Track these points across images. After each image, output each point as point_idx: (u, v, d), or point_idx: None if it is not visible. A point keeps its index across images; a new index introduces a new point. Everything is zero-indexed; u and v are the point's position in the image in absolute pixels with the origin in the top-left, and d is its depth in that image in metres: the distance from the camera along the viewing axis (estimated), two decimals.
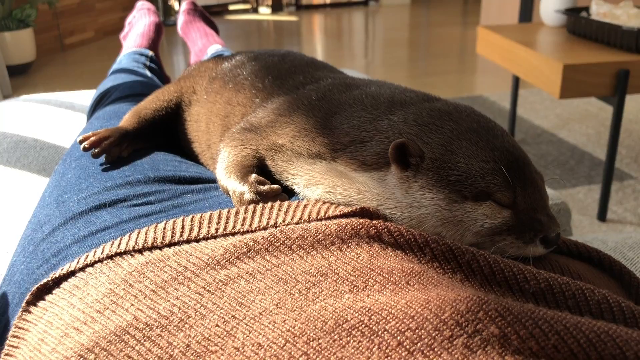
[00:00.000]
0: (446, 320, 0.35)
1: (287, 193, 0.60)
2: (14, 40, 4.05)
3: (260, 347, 0.37)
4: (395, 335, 0.35)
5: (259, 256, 0.47)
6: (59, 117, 1.44)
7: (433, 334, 0.34)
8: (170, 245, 0.51)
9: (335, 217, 0.52)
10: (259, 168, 0.64)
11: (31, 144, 1.25)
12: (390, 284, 0.41)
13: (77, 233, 0.61)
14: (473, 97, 3.50)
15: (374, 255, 0.45)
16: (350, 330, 0.36)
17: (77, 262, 0.52)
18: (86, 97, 1.60)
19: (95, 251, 0.53)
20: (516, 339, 0.33)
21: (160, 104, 0.86)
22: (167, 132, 0.87)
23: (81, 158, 0.78)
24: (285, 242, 0.48)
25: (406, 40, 5.54)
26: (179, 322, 0.42)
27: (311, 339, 0.36)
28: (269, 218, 0.53)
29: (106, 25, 5.45)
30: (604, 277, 0.53)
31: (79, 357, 0.42)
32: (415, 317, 0.36)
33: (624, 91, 1.87)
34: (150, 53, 1.57)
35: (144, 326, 0.42)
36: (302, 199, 0.59)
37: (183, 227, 0.53)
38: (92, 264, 0.51)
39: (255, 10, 6.99)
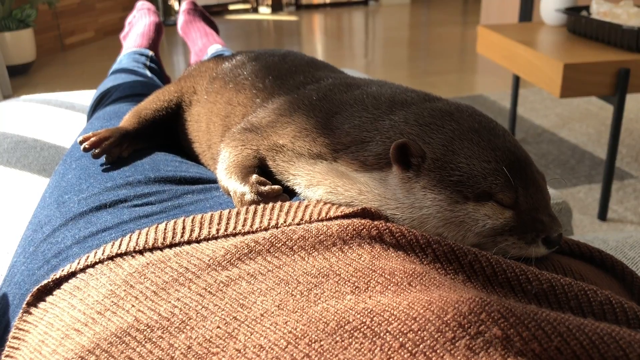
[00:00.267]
0: (448, 321, 0.35)
1: (288, 193, 0.60)
2: (14, 40, 4.04)
3: (261, 349, 0.37)
4: (398, 336, 0.35)
5: (260, 257, 0.47)
6: (59, 117, 1.44)
7: (435, 336, 0.34)
8: (171, 246, 0.51)
9: (336, 217, 0.52)
10: (260, 168, 0.63)
11: (31, 144, 1.25)
12: (392, 285, 0.41)
13: (77, 234, 0.61)
14: (473, 97, 3.50)
15: (376, 256, 0.45)
16: (352, 331, 0.36)
17: (78, 263, 0.52)
18: (86, 97, 1.59)
19: (96, 252, 0.52)
20: (519, 340, 0.33)
21: (160, 104, 0.86)
22: (167, 132, 0.86)
23: (81, 158, 0.78)
24: (287, 243, 0.48)
25: (406, 39, 5.54)
26: (180, 324, 0.42)
27: (313, 341, 0.36)
28: (270, 219, 0.53)
29: (106, 25, 5.45)
30: (606, 277, 0.53)
31: (79, 359, 0.42)
32: (418, 319, 0.36)
33: (625, 90, 1.87)
34: (151, 53, 1.57)
35: (145, 327, 0.42)
36: (303, 200, 0.59)
37: (184, 228, 0.53)
38: (92, 265, 0.51)
39: (255, 10, 6.98)
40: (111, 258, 0.51)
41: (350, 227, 0.48)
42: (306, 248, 0.47)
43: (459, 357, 0.32)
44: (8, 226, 0.95)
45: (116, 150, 0.77)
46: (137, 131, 0.82)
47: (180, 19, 1.89)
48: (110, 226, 0.60)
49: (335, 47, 5.24)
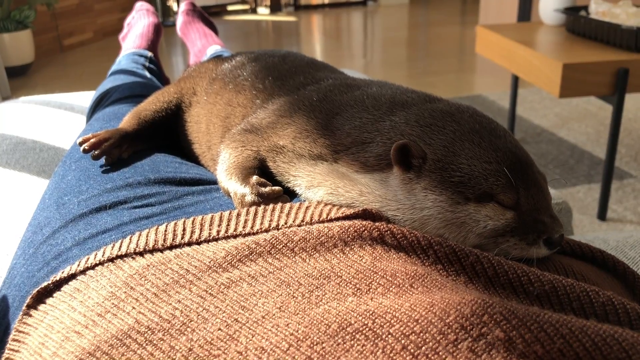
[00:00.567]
0: (451, 323, 0.35)
1: (289, 195, 0.60)
2: (13, 41, 4.04)
3: (263, 351, 0.37)
4: (400, 338, 0.35)
5: (261, 259, 0.47)
6: (58, 118, 1.43)
7: (438, 338, 0.34)
8: (171, 247, 0.51)
9: (337, 219, 0.51)
10: (260, 169, 0.63)
11: (30, 145, 1.24)
12: (393, 286, 0.41)
13: (77, 235, 0.61)
14: (472, 97, 3.50)
15: (377, 257, 0.45)
16: (354, 333, 0.36)
17: (78, 265, 0.52)
18: (85, 98, 1.59)
19: (96, 254, 0.52)
20: (521, 342, 0.33)
21: (160, 105, 0.85)
22: (167, 133, 0.86)
23: (81, 160, 0.78)
24: (288, 244, 0.47)
25: (405, 39, 5.54)
26: (181, 326, 0.42)
27: (315, 343, 0.36)
28: (270, 220, 0.52)
29: (105, 26, 5.44)
30: (607, 278, 0.53)
31: None
32: (420, 321, 0.35)
33: (624, 90, 1.87)
34: (150, 54, 1.57)
35: (146, 330, 0.42)
36: (304, 201, 0.58)
37: (184, 230, 0.52)
38: (92, 267, 0.51)
39: (253, 11, 6.98)
40: (111, 260, 0.51)
41: (351, 228, 0.48)
42: (307, 249, 0.47)
43: (461, 359, 0.32)
44: (7, 228, 0.95)
45: (116, 151, 0.77)
46: (137, 132, 0.81)
47: (179, 20, 1.89)
48: (110, 228, 0.60)
49: (334, 48, 5.24)
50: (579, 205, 2.18)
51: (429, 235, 0.48)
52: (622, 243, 0.92)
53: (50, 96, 1.63)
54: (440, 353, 0.33)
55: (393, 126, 0.55)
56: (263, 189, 0.58)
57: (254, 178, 0.60)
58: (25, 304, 0.51)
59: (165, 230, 0.52)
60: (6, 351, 0.50)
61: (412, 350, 0.33)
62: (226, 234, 0.52)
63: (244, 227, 0.52)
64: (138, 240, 0.52)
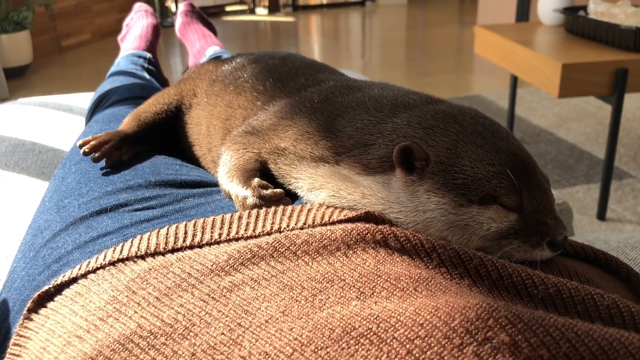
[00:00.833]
0: (456, 327, 0.34)
1: (290, 197, 0.60)
2: (11, 42, 4.03)
3: (267, 357, 0.37)
4: (405, 343, 0.34)
5: (264, 262, 0.46)
6: (57, 120, 1.43)
7: (443, 342, 0.34)
8: (173, 251, 0.51)
9: (340, 221, 0.51)
10: (262, 172, 0.63)
11: (29, 147, 1.24)
12: (397, 290, 0.41)
13: (78, 238, 0.60)
14: (471, 97, 3.50)
15: (381, 261, 0.45)
16: (358, 338, 0.36)
17: (79, 269, 0.51)
18: (84, 99, 1.59)
19: (97, 257, 0.52)
20: (527, 346, 0.33)
21: (160, 107, 0.85)
22: (167, 135, 0.86)
23: (81, 162, 0.77)
24: (290, 247, 0.47)
25: (403, 40, 5.54)
26: (183, 330, 0.41)
27: (319, 348, 0.36)
28: (272, 223, 0.52)
29: (103, 27, 5.44)
30: (611, 280, 0.53)
31: None
32: (425, 325, 0.35)
33: (623, 90, 1.87)
34: (149, 55, 1.57)
35: (148, 334, 0.42)
36: (306, 203, 0.58)
37: (186, 233, 0.52)
38: (94, 271, 0.51)
39: (252, 11, 6.98)
40: (113, 263, 0.51)
41: (354, 231, 0.48)
42: (310, 253, 0.46)
43: None
44: (7, 230, 0.94)
45: (116, 153, 0.76)
46: (137, 134, 0.81)
47: (178, 21, 1.88)
48: (111, 231, 0.60)
49: (333, 48, 5.24)
50: (578, 205, 2.18)
51: (433, 238, 0.47)
52: (623, 244, 0.92)
53: (49, 97, 1.63)
54: (446, 358, 0.33)
55: (395, 128, 0.55)
56: (265, 192, 0.58)
57: (256, 180, 0.60)
58: (26, 308, 0.51)
59: (167, 234, 0.52)
60: (7, 355, 0.49)
61: (417, 355, 0.33)
62: (228, 237, 0.51)
63: (245, 230, 0.52)
64: (139, 243, 0.52)
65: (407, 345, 0.34)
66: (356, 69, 4.33)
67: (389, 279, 0.42)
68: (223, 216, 0.54)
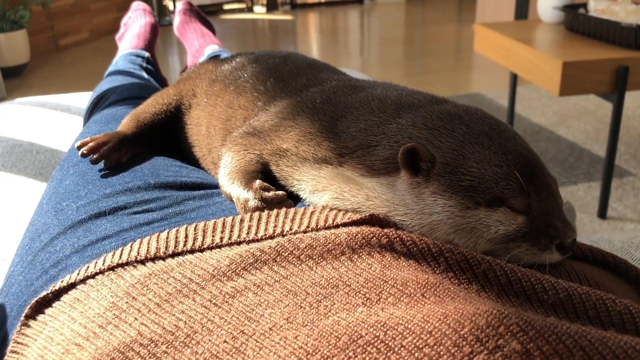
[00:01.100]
0: (465, 335, 0.33)
1: (293, 199, 0.59)
2: (8, 42, 4.02)
3: None
4: (413, 351, 0.33)
5: (267, 267, 0.45)
6: (55, 120, 1.42)
7: (452, 351, 0.33)
8: (173, 255, 0.50)
9: (344, 224, 0.50)
10: (263, 173, 0.62)
11: (27, 147, 1.23)
12: (405, 296, 0.40)
13: (76, 242, 0.59)
14: (470, 95, 3.49)
15: (387, 265, 0.44)
16: (365, 346, 0.35)
17: (78, 274, 0.50)
18: (82, 99, 1.58)
19: (96, 262, 0.51)
20: (539, 355, 0.32)
21: (159, 108, 0.84)
22: (166, 136, 0.85)
23: (79, 164, 0.76)
24: (294, 252, 0.46)
25: (402, 38, 5.53)
26: (185, 338, 0.40)
27: (325, 357, 0.35)
28: (275, 226, 0.51)
29: (101, 26, 5.42)
30: (620, 283, 0.52)
31: None
32: (433, 333, 0.34)
33: (624, 88, 1.87)
34: (147, 54, 1.55)
35: (149, 342, 0.41)
36: (309, 206, 0.57)
37: (186, 237, 0.51)
38: (93, 276, 0.50)
39: (250, 10, 6.97)
40: (112, 268, 0.50)
41: (359, 235, 0.47)
42: (314, 257, 0.45)
43: None
44: (5, 232, 0.93)
45: (115, 155, 0.75)
46: (136, 135, 0.80)
47: (176, 20, 1.87)
48: (110, 234, 0.59)
49: (331, 46, 5.23)
50: (578, 204, 2.17)
51: (439, 242, 0.46)
52: (627, 244, 0.91)
53: (47, 97, 1.62)
54: None
55: (400, 129, 0.54)
56: (266, 194, 0.57)
57: (257, 182, 0.59)
58: (23, 314, 0.50)
59: (167, 237, 0.51)
60: None
61: None
62: (229, 241, 0.50)
63: (247, 233, 0.51)
64: (139, 247, 0.51)
65: (416, 354, 0.33)
66: (355, 67, 4.32)
67: (395, 285, 0.41)
68: (224, 219, 0.53)
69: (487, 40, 2.43)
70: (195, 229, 0.52)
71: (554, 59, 1.89)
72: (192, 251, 0.50)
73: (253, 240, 0.50)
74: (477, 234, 0.50)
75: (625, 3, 2.06)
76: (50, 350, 0.45)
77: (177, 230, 0.52)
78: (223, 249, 0.50)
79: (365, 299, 0.40)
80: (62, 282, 0.50)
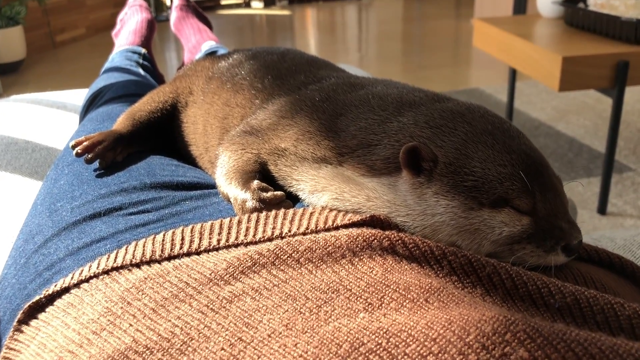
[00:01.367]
0: (471, 343, 0.32)
1: (292, 200, 0.57)
2: (4, 38, 3.99)
3: None
4: (417, 359, 0.32)
5: (265, 270, 0.44)
6: (50, 117, 1.40)
7: (457, 359, 0.32)
8: (169, 258, 0.48)
9: (344, 226, 0.49)
10: (261, 173, 0.61)
11: (22, 146, 1.21)
12: (407, 301, 0.38)
13: (70, 245, 0.58)
14: (469, 90, 3.47)
15: (389, 269, 0.42)
16: (367, 354, 0.34)
17: (72, 278, 0.49)
18: (78, 96, 1.56)
19: (91, 265, 0.50)
20: None
21: (155, 106, 0.83)
22: (162, 134, 0.83)
23: (74, 163, 0.75)
24: (293, 255, 0.45)
25: (400, 33, 5.51)
26: (181, 345, 0.39)
27: None
28: (273, 228, 0.50)
29: (97, 22, 5.39)
30: (626, 284, 0.51)
31: None
32: (438, 340, 0.33)
33: (624, 83, 1.85)
34: (143, 51, 1.54)
35: (144, 349, 0.40)
36: (308, 207, 0.56)
37: (183, 239, 0.50)
38: (87, 280, 0.48)
39: (247, 5, 6.94)
40: (106, 272, 0.48)
41: (360, 237, 0.45)
42: (314, 260, 0.44)
43: None
44: None
45: (110, 154, 0.74)
46: (132, 134, 0.78)
47: (173, 15, 1.85)
48: (105, 236, 0.57)
49: (329, 42, 5.21)
50: (578, 200, 2.16)
51: (443, 244, 0.45)
52: (629, 242, 0.90)
53: (42, 94, 1.60)
54: None
55: (401, 127, 0.53)
56: (265, 194, 0.56)
57: (255, 183, 0.57)
58: (16, 319, 0.49)
59: (163, 240, 0.50)
60: None
61: None
62: (227, 243, 0.49)
63: (245, 235, 0.50)
64: (134, 250, 0.49)
65: None
66: (352, 63, 4.30)
67: (397, 289, 0.40)
68: (221, 221, 0.52)
69: (487, 36, 2.42)
70: (191, 230, 0.51)
71: (553, 54, 1.88)
72: (188, 254, 0.48)
73: (251, 243, 0.49)
74: (480, 236, 0.48)
75: None
76: (43, 358, 0.43)
77: (173, 232, 0.51)
78: (220, 251, 0.48)
79: (366, 304, 0.39)
80: (55, 286, 0.49)
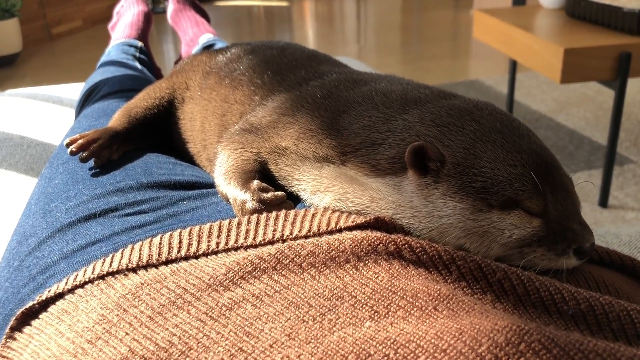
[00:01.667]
0: (483, 354, 0.31)
1: (292, 200, 0.56)
2: None
3: None
4: None
5: (266, 276, 0.42)
6: (46, 112, 1.38)
7: None
8: (167, 262, 0.47)
9: (347, 228, 0.47)
10: (261, 173, 0.59)
11: (18, 141, 1.20)
12: (415, 309, 0.37)
13: (65, 247, 0.56)
14: (469, 82, 3.45)
15: (395, 275, 0.41)
16: None
17: (66, 283, 0.47)
18: (74, 91, 1.54)
19: (85, 270, 0.48)
20: None
21: (151, 102, 0.81)
22: (159, 131, 0.81)
23: (69, 162, 0.73)
24: (295, 259, 0.43)
25: (398, 24, 5.47)
26: (179, 355, 0.38)
27: None
28: (274, 230, 0.48)
29: (94, 14, 5.35)
30: (638, 287, 0.49)
31: None
32: (448, 351, 0.32)
33: (626, 75, 1.83)
34: (140, 44, 1.52)
35: None
36: (310, 207, 0.54)
37: (180, 242, 0.48)
38: (82, 285, 0.47)
39: None
40: (102, 277, 0.47)
41: (364, 241, 0.44)
42: (316, 265, 0.43)
43: None
44: None
45: (105, 152, 0.72)
46: (128, 131, 0.77)
47: (170, 8, 1.83)
48: (101, 238, 0.56)
49: (327, 33, 5.18)
50: (579, 192, 2.14)
51: (450, 248, 0.43)
52: (635, 238, 0.89)
53: (38, 89, 1.58)
54: None
55: (407, 126, 0.51)
56: (265, 195, 0.54)
57: (255, 183, 0.55)
58: (9, 326, 0.47)
59: (160, 243, 0.48)
60: None
61: None
62: (226, 247, 0.47)
63: (245, 238, 0.48)
64: (130, 254, 0.48)
65: None
66: (351, 55, 4.27)
67: (405, 296, 0.38)
68: (220, 223, 0.50)
69: (487, 27, 2.39)
70: (189, 233, 0.49)
71: (555, 45, 1.86)
72: (186, 258, 0.47)
73: (251, 246, 0.47)
74: (489, 239, 0.47)
75: None
76: None
77: (171, 235, 0.49)
78: (219, 255, 0.47)
79: (372, 312, 0.37)
80: (49, 291, 0.47)
